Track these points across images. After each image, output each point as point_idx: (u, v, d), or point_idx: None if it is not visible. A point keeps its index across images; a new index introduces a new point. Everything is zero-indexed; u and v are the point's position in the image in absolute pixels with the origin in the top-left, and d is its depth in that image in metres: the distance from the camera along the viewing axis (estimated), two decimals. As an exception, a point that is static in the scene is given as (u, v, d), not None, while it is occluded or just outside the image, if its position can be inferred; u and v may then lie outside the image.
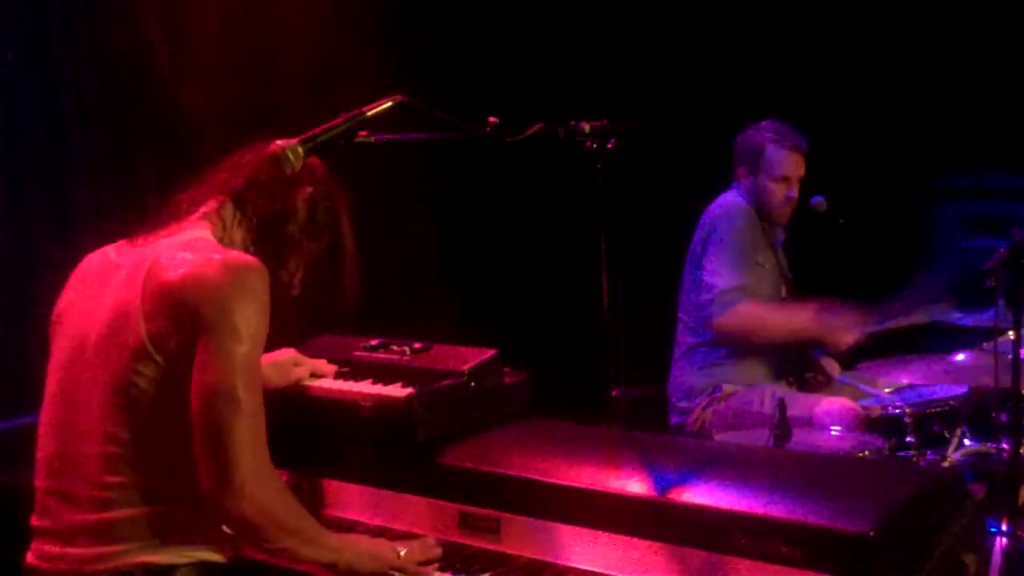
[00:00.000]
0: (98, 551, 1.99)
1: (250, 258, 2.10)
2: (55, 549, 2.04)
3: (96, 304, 2.11)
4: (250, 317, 2.01)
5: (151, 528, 2.00)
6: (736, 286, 4.03)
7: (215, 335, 1.97)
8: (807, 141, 4.24)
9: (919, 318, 4.08)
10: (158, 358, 2.00)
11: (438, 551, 2.29)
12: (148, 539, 2.00)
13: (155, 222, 2.21)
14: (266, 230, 2.23)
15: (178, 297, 2.00)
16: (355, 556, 2.16)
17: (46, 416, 2.14)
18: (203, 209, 2.23)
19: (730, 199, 4.25)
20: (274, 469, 2.07)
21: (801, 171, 4.22)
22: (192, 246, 2.10)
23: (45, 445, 2.12)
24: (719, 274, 4.06)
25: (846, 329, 4.06)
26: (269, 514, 2.02)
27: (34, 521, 2.11)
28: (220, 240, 2.19)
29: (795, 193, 4.21)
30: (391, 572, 2.20)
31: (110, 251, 2.22)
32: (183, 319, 1.99)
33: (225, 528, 2.09)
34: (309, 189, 2.30)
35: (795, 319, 4.10)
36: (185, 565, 2.03)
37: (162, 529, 2.01)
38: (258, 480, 1.99)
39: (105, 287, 2.12)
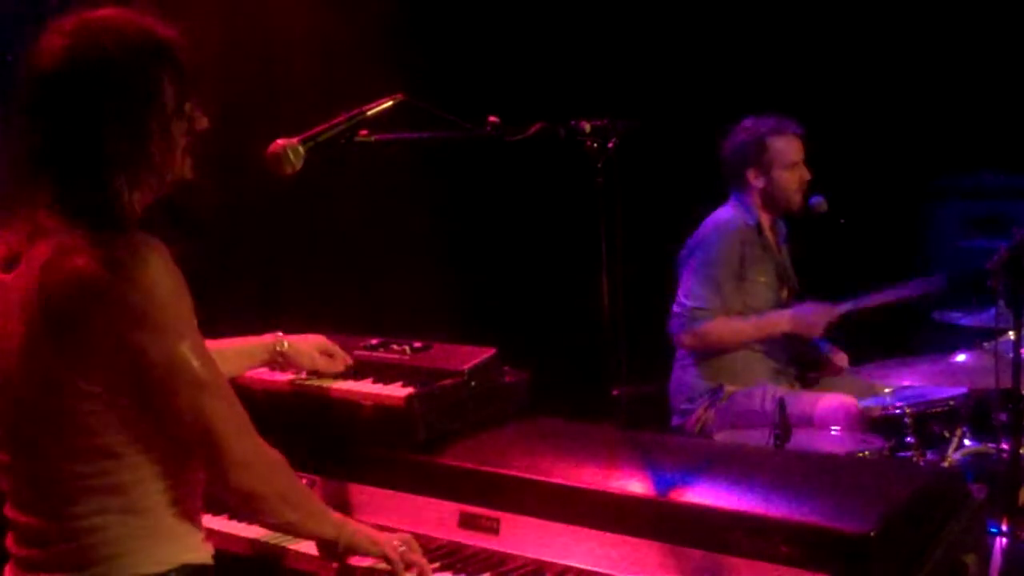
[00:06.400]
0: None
1: (136, 243, 1.89)
2: (31, 575, 2.03)
3: (2, 333, 1.98)
4: (167, 305, 1.89)
5: (128, 544, 1.97)
6: (703, 307, 4.12)
7: (148, 342, 1.88)
8: (797, 122, 4.30)
9: (905, 293, 4.13)
10: (94, 389, 1.91)
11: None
12: (127, 555, 1.98)
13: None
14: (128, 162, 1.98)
15: (88, 319, 1.88)
16: (355, 535, 2.18)
17: None
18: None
19: (720, 217, 4.27)
20: (265, 442, 2.07)
21: (803, 152, 4.28)
22: (72, 249, 1.90)
23: (3, 480, 2.07)
24: (690, 294, 4.16)
25: (815, 317, 4.13)
26: (273, 485, 2.04)
27: (9, 545, 2.08)
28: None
29: (808, 174, 4.26)
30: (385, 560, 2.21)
31: None
32: (103, 343, 1.89)
33: (230, 503, 2.08)
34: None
35: (760, 326, 4.19)
36: (168, 571, 2.02)
37: (139, 543, 1.99)
38: (254, 452, 2.01)
39: (4, 313, 1.98)
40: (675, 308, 4.18)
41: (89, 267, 1.87)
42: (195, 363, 1.94)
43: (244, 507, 2.10)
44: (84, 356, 1.90)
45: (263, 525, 2.23)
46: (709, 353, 4.20)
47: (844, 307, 4.15)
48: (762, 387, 4.10)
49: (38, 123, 1.99)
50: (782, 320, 4.17)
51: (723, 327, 4.14)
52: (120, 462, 1.96)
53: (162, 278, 1.90)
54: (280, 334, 2.65)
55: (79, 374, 1.91)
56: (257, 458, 2.02)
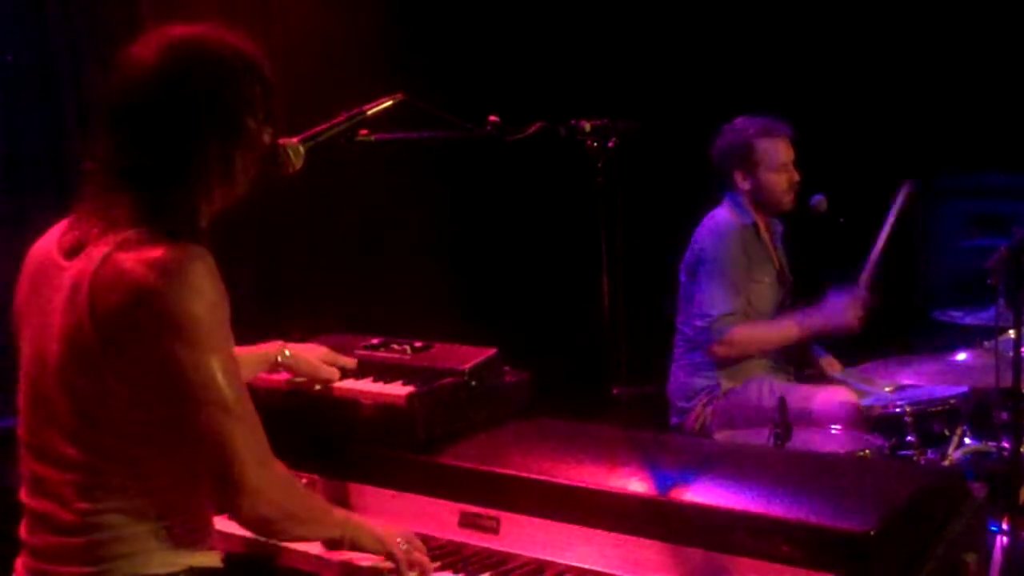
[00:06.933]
0: (84, 570, 1.99)
1: (183, 253, 1.92)
2: (42, 566, 2.04)
3: (49, 316, 2.02)
4: (205, 319, 1.91)
5: (137, 544, 1.99)
6: (728, 312, 4.07)
7: (181, 352, 1.90)
8: (787, 123, 4.25)
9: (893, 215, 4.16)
10: (121, 384, 1.93)
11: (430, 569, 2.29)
12: (135, 554, 1.99)
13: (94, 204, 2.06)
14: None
15: (128, 320, 1.90)
16: (358, 531, 2.20)
17: (22, 433, 2.09)
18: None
19: (719, 218, 4.24)
20: (278, 461, 2.08)
21: (793, 154, 4.23)
22: (127, 248, 1.95)
23: (25, 464, 2.09)
24: (711, 302, 4.09)
25: (845, 310, 4.07)
26: (283, 508, 2.04)
27: (22, 534, 2.09)
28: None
29: (797, 176, 4.22)
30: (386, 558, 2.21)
31: (54, 248, 2.08)
32: (138, 345, 1.91)
33: (236, 526, 2.08)
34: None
35: (789, 332, 4.14)
36: (176, 573, 2.02)
37: (148, 544, 2.00)
38: (269, 479, 2.00)
39: (54, 296, 2.02)
40: (698, 323, 4.12)
41: (134, 270, 1.90)
42: (222, 381, 1.93)
43: (252, 530, 2.08)
44: (120, 355, 1.92)
45: (270, 541, 2.21)
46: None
47: (862, 283, 4.08)
48: (759, 380, 4.09)
49: (128, 130, 2.02)
50: (814, 322, 4.10)
51: (755, 333, 4.10)
52: (138, 466, 1.98)
53: (203, 290, 1.92)
54: (281, 343, 2.62)
55: (113, 371, 1.93)
56: (271, 485, 2.01)
